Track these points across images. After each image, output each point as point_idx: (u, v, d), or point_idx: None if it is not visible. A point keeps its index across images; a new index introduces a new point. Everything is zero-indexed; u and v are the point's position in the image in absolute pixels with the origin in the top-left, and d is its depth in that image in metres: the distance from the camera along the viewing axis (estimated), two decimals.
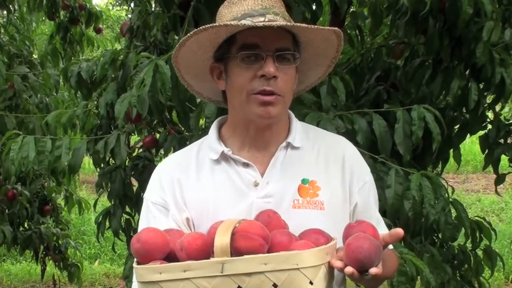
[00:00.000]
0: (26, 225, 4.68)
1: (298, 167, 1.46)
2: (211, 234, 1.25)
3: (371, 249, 1.20)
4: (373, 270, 1.18)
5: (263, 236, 1.22)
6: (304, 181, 1.45)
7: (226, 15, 1.43)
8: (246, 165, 1.45)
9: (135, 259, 1.28)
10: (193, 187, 1.47)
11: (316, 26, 1.39)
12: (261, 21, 1.35)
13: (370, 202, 1.54)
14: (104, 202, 3.15)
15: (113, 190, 2.82)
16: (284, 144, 1.47)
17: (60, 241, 4.88)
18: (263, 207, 1.39)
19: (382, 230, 1.51)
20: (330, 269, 1.24)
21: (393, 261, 1.53)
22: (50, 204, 4.79)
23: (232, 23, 1.35)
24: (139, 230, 1.45)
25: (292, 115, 1.54)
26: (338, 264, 1.21)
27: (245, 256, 1.18)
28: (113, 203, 2.86)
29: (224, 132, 1.53)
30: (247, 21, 1.36)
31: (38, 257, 4.89)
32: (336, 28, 1.43)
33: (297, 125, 1.52)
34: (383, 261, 1.24)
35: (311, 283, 1.18)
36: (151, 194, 1.50)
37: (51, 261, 4.97)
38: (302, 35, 1.42)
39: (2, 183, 4.21)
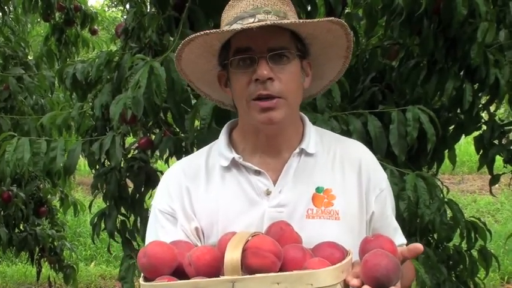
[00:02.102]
0: (21, 227, 4.67)
1: (312, 174, 1.40)
2: (221, 247, 1.20)
3: (389, 267, 1.13)
4: None
5: (275, 252, 1.16)
6: (318, 189, 1.39)
7: (225, 20, 1.39)
8: (257, 172, 1.39)
9: (142, 274, 1.24)
10: (202, 195, 1.41)
11: (303, 20, 1.31)
12: (250, 23, 1.30)
13: (388, 211, 1.47)
14: (100, 203, 3.15)
15: (108, 191, 2.81)
16: (297, 150, 1.41)
17: (55, 243, 4.86)
18: (275, 217, 1.33)
19: (400, 239, 1.48)
20: (346, 286, 1.17)
21: (411, 272, 1.49)
22: (46, 205, 4.78)
23: (210, 31, 1.30)
24: (146, 239, 1.42)
25: (306, 119, 1.47)
26: (355, 282, 1.14)
27: (257, 275, 1.12)
28: (108, 204, 2.86)
29: (235, 137, 1.47)
30: (237, 25, 1.31)
31: (33, 259, 4.87)
32: (332, 18, 1.34)
33: (311, 129, 1.46)
34: (401, 276, 1.17)
35: None
36: (159, 202, 1.45)
37: (46, 263, 4.96)
38: (300, 29, 1.35)
39: None
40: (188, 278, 1.19)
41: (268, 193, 1.38)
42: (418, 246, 1.21)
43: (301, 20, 1.31)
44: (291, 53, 1.34)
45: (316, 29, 1.35)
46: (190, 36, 1.32)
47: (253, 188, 1.39)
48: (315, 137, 1.45)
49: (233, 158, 1.41)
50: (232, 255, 1.12)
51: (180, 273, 1.22)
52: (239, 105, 1.39)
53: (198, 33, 1.31)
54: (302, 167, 1.41)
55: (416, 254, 1.24)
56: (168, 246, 1.26)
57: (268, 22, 1.27)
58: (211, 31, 1.31)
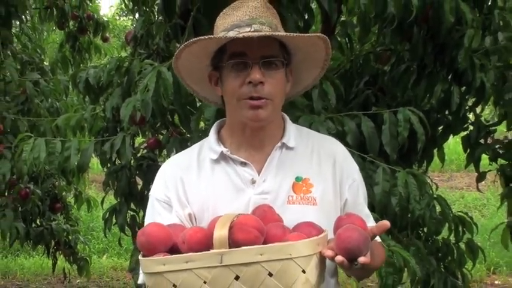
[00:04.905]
0: (38, 222, 4.66)
1: (292, 165, 1.47)
2: (210, 227, 1.26)
3: (360, 239, 1.21)
4: (361, 259, 1.19)
5: (259, 228, 1.23)
6: (297, 179, 1.46)
7: (220, 27, 1.45)
8: (243, 164, 1.46)
9: (141, 252, 1.30)
10: (195, 185, 1.48)
11: (295, 34, 1.41)
12: (246, 31, 1.38)
13: (360, 198, 1.54)
14: (111, 200, 3.15)
15: (119, 188, 2.82)
16: (279, 144, 1.48)
17: (70, 237, 4.85)
18: (260, 203, 1.40)
19: (371, 224, 1.51)
20: (322, 258, 1.24)
21: (381, 252, 1.54)
22: (61, 202, 4.77)
23: (216, 36, 1.39)
24: (145, 224, 1.46)
25: (287, 118, 1.55)
26: (329, 253, 1.22)
27: (242, 247, 1.18)
28: (119, 200, 2.86)
29: (223, 133, 1.54)
30: (234, 32, 1.38)
31: (49, 252, 4.87)
32: (319, 34, 1.45)
33: (291, 126, 1.53)
34: (371, 252, 1.24)
35: (303, 272, 1.19)
36: (156, 192, 1.51)
37: (61, 255, 4.95)
38: (288, 41, 1.43)
39: (16, 182, 4.20)
40: None
41: (253, 182, 1.45)
42: (386, 222, 1.30)
43: (295, 34, 1.42)
44: (280, 61, 1.42)
45: (303, 42, 1.44)
46: (194, 39, 1.39)
47: (239, 178, 1.46)
48: (295, 133, 1.53)
49: (222, 152, 1.48)
50: (221, 231, 1.19)
51: (174, 251, 1.28)
52: (230, 103, 1.46)
53: (203, 37, 1.38)
54: (283, 159, 1.48)
55: (384, 230, 1.33)
56: (164, 227, 1.32)
57: (268, 33, 1.37)
58: (217, 36, 1.39)
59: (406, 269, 2.14)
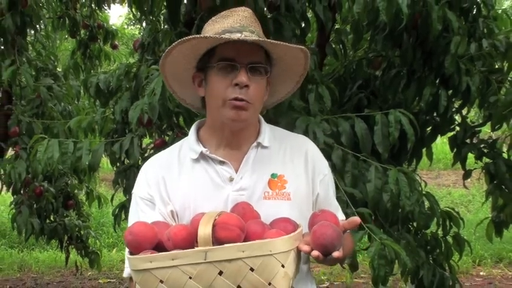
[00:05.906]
0: (51, 218, 4.65)
1: (268, 163, 1.47)
2: (194, 225, 1.25)
3: (334, 236, 1.22)
4: (335, 254, 1.22)
5: (240, 226, 1.23)
6: (273, 175, 1.46)
7: (209, 32, 1.44)
8: (222, 162, 1.45)
9: (128, 250, 1.28)
10: (176, 183, 1.46)
11: (283, 43, 1.40)
12: (237, 37, 1.37)
13: (330, 192, 1.55)
14: (120, 197, 3.15)
15: (127, 186, 2.81)
16: (255, 144, 1.48)
17: (82, 232, 4.85)
18: (237, 199, 1.40)
19: (340, 215, 1.54)
20: (298, 252, 1.25)
21: (350, 242, 1.54)
22: (73, 199, 4.76)
23: (211, 35, 1.37)
24: (129, 222, 1.46)
25: (262, 119, 1.55)
26: (306, 248, 1.23)
27: (225, 245, 1.18)
28: (127, 197, 2.86)
29: (202, 133, 1.52)
30: (225, 36, 1.37)
31: (62, 246, 4.86)
32: (303, 47, 1.44)
33: (266, 127, 1.53)
34: (342, 244, 1.26)
35: (283, 266, 1.20)
36: (139, 190, 1.49)
37: (74, 249, 4.95)
38: (273, 51, 1.43)
39: (31, 181, 4.20)
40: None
41: (231, 179, 1.44)
42: (356, 219, 1.33)
43: (281, 43, 1.39)
44: (264, 68, 1.42)
45: (287, 52, 1.44)
46: (188, 37, 1.37)
47: (218, 176, 1.45)
48: (269, 133, 1.52)
49: (201, 151, 1.47)
50: (204, 230, 1.19)
51: (159, 248, 1.27)
52: (213, 103, 1.44)
53: (197, 36, 1.37)
54: (259, 158, 1.48)
55: (355, 226, 1.35)
56: (150, 226, 1.31)
57: (261, 39, 1.37)
58: (212, 35, 1.37)
59: (397, 261, 2.14)
